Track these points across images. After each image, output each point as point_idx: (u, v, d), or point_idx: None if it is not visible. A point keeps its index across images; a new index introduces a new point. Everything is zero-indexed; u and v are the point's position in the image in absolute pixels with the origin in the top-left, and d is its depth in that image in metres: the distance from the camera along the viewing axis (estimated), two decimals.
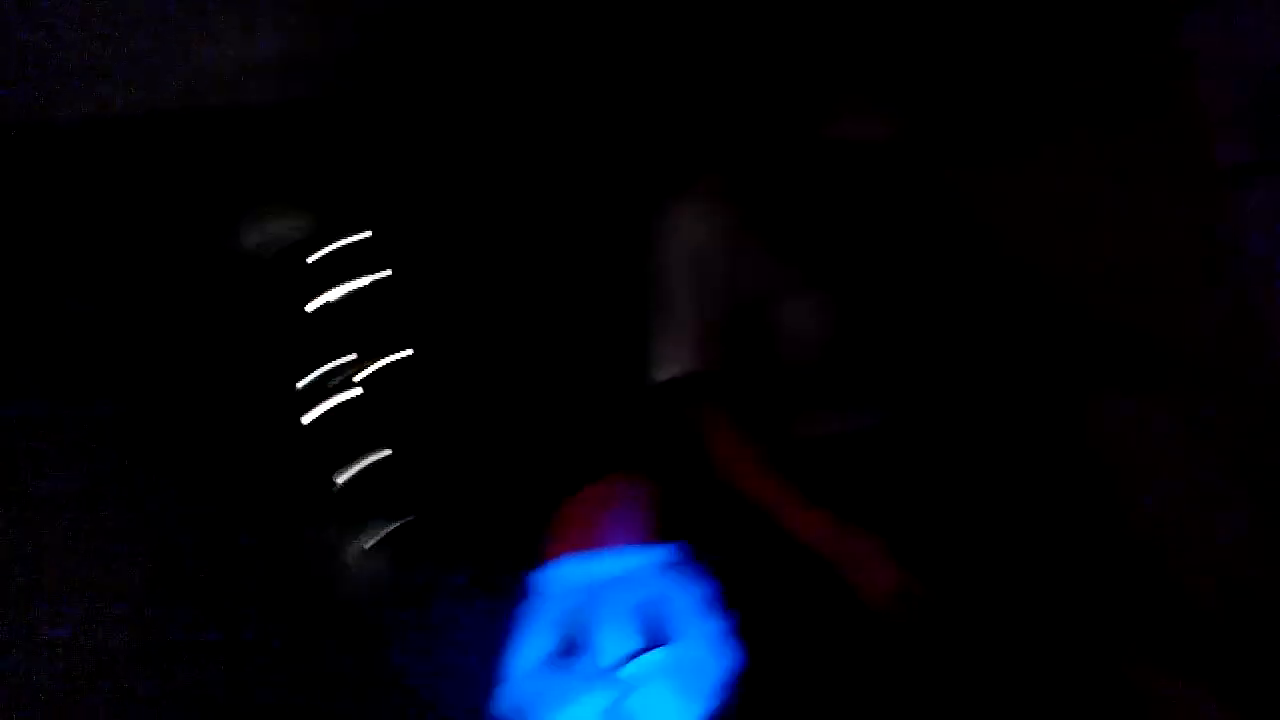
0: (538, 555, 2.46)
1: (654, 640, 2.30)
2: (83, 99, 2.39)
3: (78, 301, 2.57)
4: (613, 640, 2.29)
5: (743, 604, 2.45)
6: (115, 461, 2.61)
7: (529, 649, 2.37)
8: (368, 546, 2.90)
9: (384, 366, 3.02)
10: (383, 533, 2.92)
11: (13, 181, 2.47)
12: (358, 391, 2.94)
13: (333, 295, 2.98)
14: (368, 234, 2.95)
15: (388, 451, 2.92)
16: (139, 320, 2.66)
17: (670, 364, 1.85)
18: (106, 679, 2.45)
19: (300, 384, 2.93)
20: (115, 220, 2.65)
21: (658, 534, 2.46)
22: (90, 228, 2.61)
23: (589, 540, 2.45)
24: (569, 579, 2.37)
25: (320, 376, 2.95)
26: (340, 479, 2.89)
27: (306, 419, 2.91)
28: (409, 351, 3.00)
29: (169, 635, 2.56)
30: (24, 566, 2.36)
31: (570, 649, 2.33)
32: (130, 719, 2.43)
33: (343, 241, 2.96)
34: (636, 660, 2.28)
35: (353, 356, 2.95)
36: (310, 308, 2.95)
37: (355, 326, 2.98)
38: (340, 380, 2.98)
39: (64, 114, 2.42)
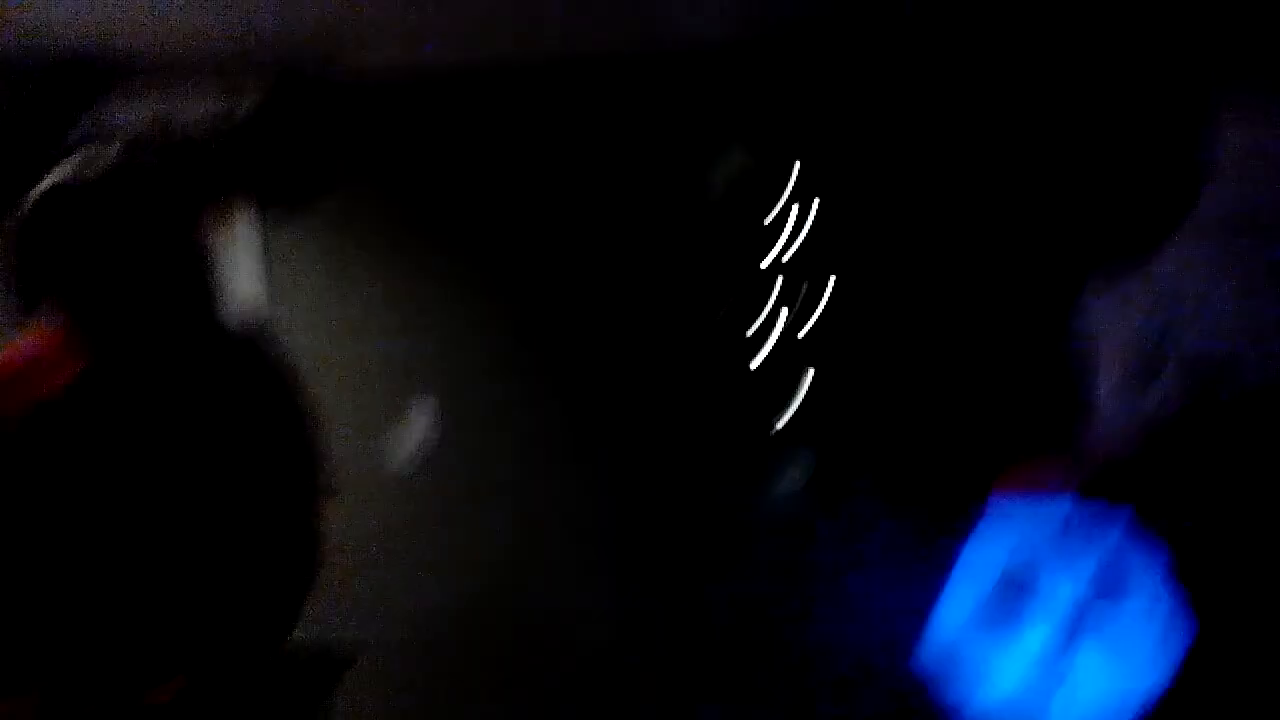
0: (985, 497, 2.48)
1: (1107, 595, 2.25)
2: None
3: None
4: (1063, 584, 2.27)
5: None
6: None
7: (968, 588, 2.40)
8: (803, 487, 3.01)
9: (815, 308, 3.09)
10: (811, 473, 3.01)
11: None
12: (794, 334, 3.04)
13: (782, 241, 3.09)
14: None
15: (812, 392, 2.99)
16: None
17: None
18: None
19: (749, 331, 3.10)
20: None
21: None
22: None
23: (1041, 488, 2.44)
24: (1023, 520, 2.38)
25: (764, 322, 3.09)
26: (779, 422, 3.02)
27: (754, 364, 3.07)
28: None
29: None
30: None
31: (1014, 590, 2.33)
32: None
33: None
34: (1087, 608, 2.23)
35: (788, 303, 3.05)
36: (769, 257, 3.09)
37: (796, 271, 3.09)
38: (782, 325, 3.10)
39: None
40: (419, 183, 2.91)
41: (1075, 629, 2.21)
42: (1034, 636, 2.22)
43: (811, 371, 2.98)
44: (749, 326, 3.07)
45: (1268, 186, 2.26)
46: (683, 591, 2.86)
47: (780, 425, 3.00)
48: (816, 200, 3.06)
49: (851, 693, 2.75)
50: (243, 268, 2.75)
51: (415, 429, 2.74)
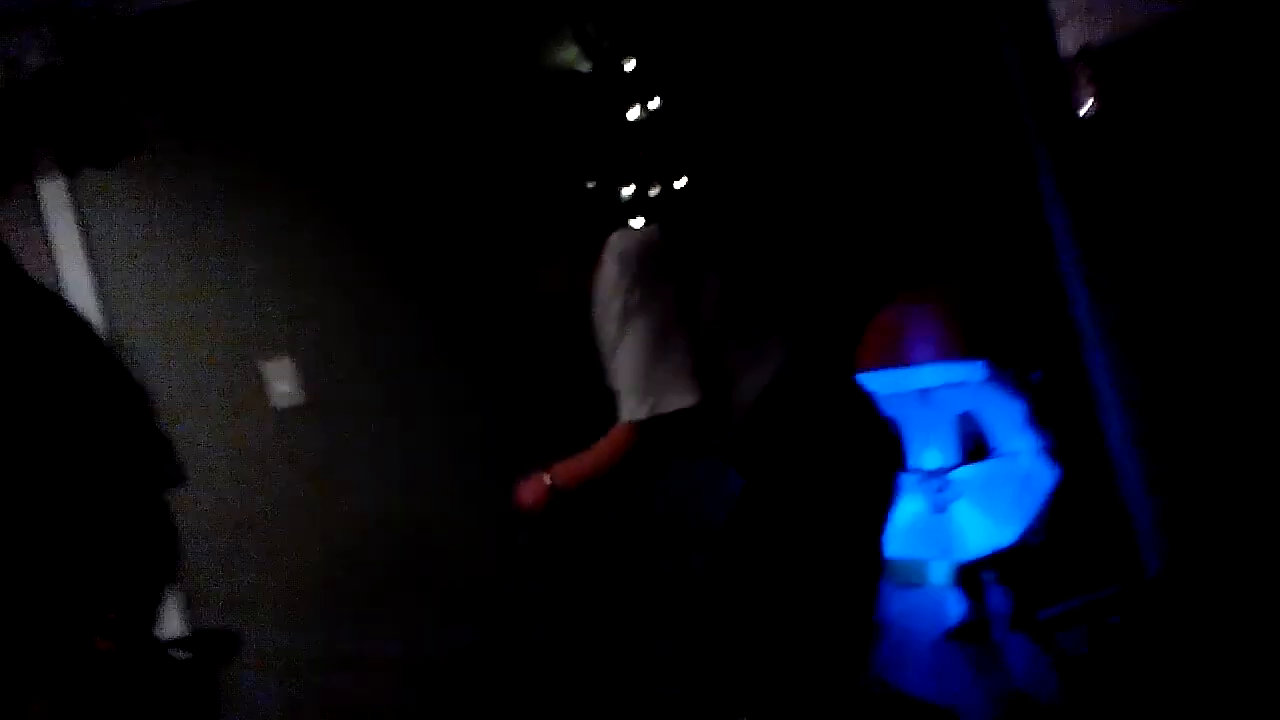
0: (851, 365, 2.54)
1: (972, 452, 2.35)
2: None
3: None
4: (930, 450, 2.36)
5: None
6: None
7: None
8: None
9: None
10: None
11: None
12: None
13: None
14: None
15: None
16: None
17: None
18: None
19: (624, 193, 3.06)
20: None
21: (967, 350, 2.46)
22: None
23: (900, 353, 2.49)
24: (884, 388, 2.44)
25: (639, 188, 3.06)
26: None
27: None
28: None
29: None
30: None
31: None
32: None
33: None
34: (956, 470, 2.34)
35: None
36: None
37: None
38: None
39: None
40: (234, 118, 2.71)
41: (951, 489, 2.31)
42: (911, 504, 2.32)
43: None
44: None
45: None
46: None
47: None
48: None
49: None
50: (60, 245, 2.58)
51: (273, 396, 2.63)
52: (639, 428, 1.86)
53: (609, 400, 1.93)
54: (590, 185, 3.02)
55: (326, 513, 2.65)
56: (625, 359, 1.86)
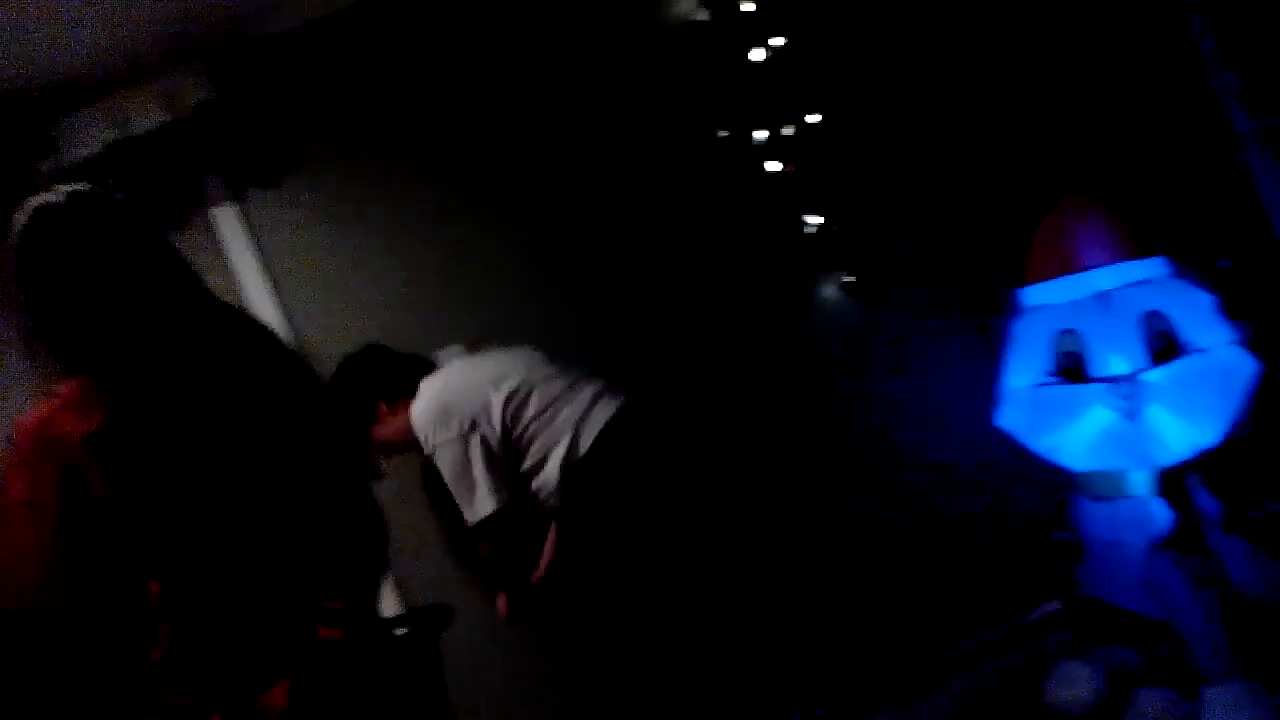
0: (1021, 273, 2.45)
1: (1161, 352, 2.23)
2: None
3: None
4: (1116, 355, 2.25)
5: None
6: None
7: (1024, 367, 2.41)
8: (839, 289, 3.01)
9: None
10: (851, 277, 3.00)
11: None
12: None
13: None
14: None
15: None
16: None
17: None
18: None
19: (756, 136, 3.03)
20: None
21: (1143, 247, 2.33)
22: None
23: (1073, 259, 2.38)
24: (1059, 297, 2.34)
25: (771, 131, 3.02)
26: (809, 221, 3.00)
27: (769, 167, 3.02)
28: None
29: None
30: None
31: (1072, 364, 2.32)
32: None
33: None
34: (1146, 373, 2.23)
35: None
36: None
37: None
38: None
39: None
40: (384, 122, 2.82)
41: (1142, 392, 2.20)
42: (1102, 410, 2.23)
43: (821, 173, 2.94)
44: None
45: None
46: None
47: (811, 228, 2.96)
48: None
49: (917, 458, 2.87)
50: (238, 265, 2.76)
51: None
52: (478, 530, 2.42)
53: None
54: (723, 134, 3.02)
55: None
56: (448, 483, 2.41)
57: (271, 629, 1.50)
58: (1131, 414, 2.20)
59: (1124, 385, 2.21)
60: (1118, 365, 2.24)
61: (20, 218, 1.55)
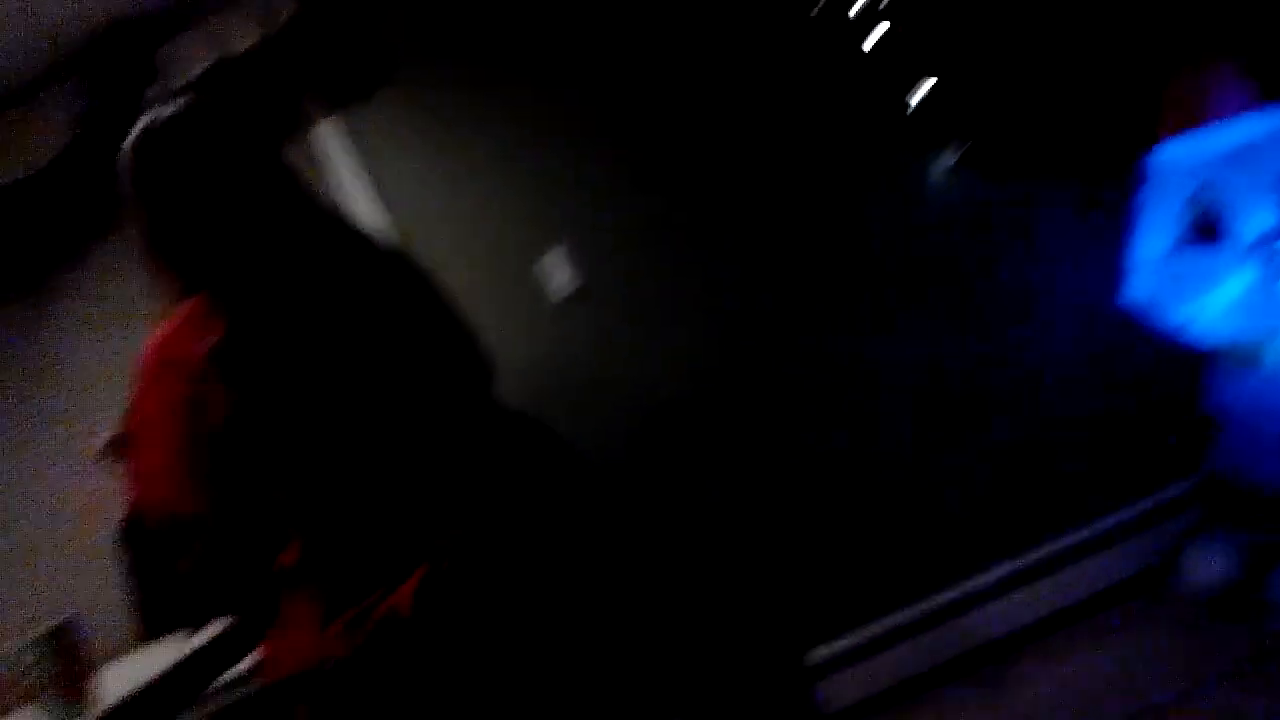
0: (1150, 139, 2.29)
1: None
2: None
3: None
4: (1256, 214, 2.09)
5: None
6: None
7: (1157, 233, 2.27)
8: (951, 165, 2.89)
9: None
10: (962, 150, 2.87)
11: None
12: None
13: None
14: None
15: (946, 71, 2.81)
16: None
17: None
18: None
19: (853, 10, 2.90)
20: None
21: (1275, 93, 2.14)
22: None
23: (1203, 115, 2.21)
24: (1193, 156, 2.18)
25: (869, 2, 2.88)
26: (912, 100, 2.87)
27: (867, 45, 2.89)
28: None
29: None
30: None
31: (1205, 229, 2.18)
32: None
33: None
34: None
35: None
36: None
37: None
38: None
39: None
40: (477, 29, 2.79)
41: (1278, 260, 2.07)
42: (1240, 277, 2.10)
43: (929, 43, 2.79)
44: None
45: None
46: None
47: (914, 104, 2.84)
48: None
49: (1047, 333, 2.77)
50: (344, 175, 2.79)
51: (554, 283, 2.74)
52: None
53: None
54: (817, 8, 2.88)
55: (602, 402, 2.76)
56: None
57: (397, 534, 1.53)
58: (1274, 276, 2.04)
59: (1264, 246, 2.05)
60: (1262, 223, 2.07)
61: (132, 139, 1.59)
